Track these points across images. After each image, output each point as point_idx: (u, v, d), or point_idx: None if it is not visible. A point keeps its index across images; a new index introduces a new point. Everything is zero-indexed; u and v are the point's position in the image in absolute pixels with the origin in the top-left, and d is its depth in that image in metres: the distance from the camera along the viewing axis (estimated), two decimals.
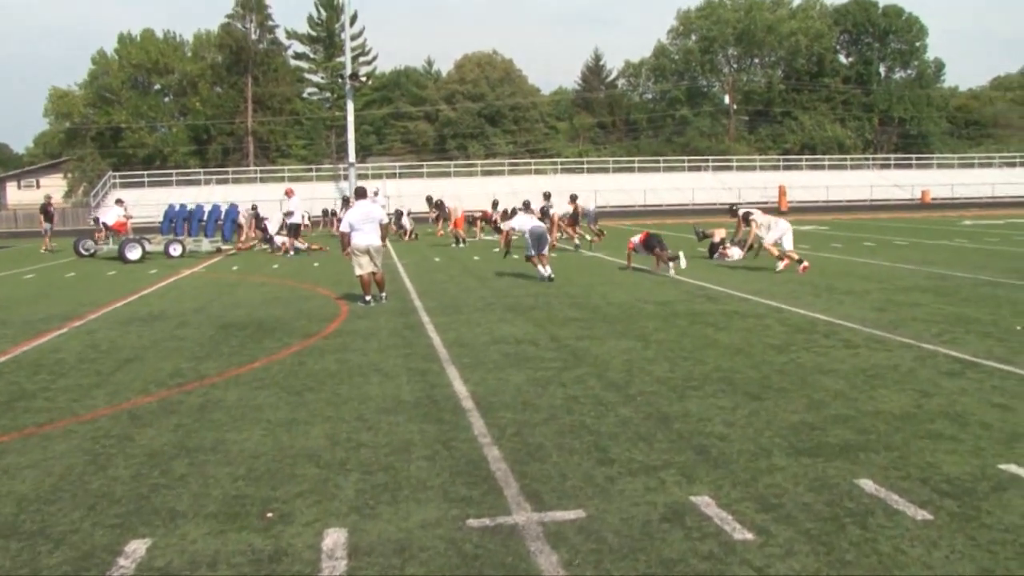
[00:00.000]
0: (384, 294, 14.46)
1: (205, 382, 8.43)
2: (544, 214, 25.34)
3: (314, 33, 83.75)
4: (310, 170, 66.81)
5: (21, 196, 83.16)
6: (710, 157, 68.47)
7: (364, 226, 13.89)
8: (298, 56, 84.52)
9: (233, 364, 9.31)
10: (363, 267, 13.97)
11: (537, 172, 67.68)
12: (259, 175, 65.47)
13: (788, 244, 17.49)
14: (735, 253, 20.26)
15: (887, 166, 69.99)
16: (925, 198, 59.71)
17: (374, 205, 14.52)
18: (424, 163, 69.00)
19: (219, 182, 63.49)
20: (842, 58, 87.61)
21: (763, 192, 57.49)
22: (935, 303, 12.46)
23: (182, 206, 29.57)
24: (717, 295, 14.07)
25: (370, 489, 5.26)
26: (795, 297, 13.50)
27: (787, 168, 67.64)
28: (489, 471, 5.52)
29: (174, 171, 64.39)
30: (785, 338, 9.97)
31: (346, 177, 56.33)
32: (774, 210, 19.75)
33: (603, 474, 5.44)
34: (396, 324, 11.84)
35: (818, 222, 39.32)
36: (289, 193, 26.69)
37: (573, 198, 25.74)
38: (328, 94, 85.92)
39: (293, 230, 25.90)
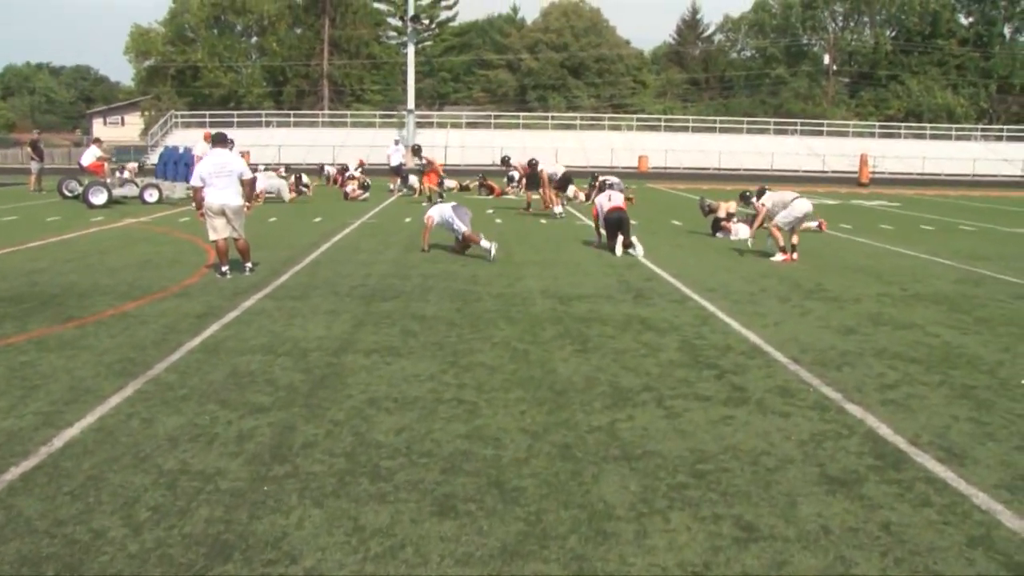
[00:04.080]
0: (250, 264, 11.72)
1: None
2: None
3: None
4: (373, 116, 64.33)
5: (107, 132, 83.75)
6: (799, 120, 63.11)
7: (217, 181, 11.11)
8: None
9: None
10: (217, 231, 11.22)
11: (612, 128, 63.72)
12: (320, 119, 63.39)
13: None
14: (742, 231, 16.75)
15: (999, 138, 63.28)
16: None
17: (232, 155, 11.67)
18: (492, 114, 65.66)
19: (279, 125, 61.76)
20: (961, 18, 79.94)
21: (851, 161, 52.37)
22: (935, 325, 8.97)
23: (186, 149, 27.34)
24: (654, 290, 10.80)
25: None
26: (752, 301, 10.15)
27: (884, 136, 61.80)
28: None
29: (235, 112, 62.80)
30: (657, 374, 6.79)
31: (404, 125, 53.90)
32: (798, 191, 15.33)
33: None
34: (207, 308, 9.06)
35: (893, 197, 34.78)
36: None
37: (532, 164, 22.27)
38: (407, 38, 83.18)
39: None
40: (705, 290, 10.84)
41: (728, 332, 8.41)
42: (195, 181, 11.20)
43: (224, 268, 11.25)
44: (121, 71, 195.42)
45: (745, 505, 4.38)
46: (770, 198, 14.55)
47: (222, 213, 11.14)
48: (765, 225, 14.84)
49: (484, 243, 13.37)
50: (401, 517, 4.18)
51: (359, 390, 6.25)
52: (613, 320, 8.88)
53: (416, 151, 27.93)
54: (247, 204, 11.56)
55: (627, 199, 17.37)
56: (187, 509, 4.23)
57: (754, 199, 15.49)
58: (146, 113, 76.97)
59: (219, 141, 11.45)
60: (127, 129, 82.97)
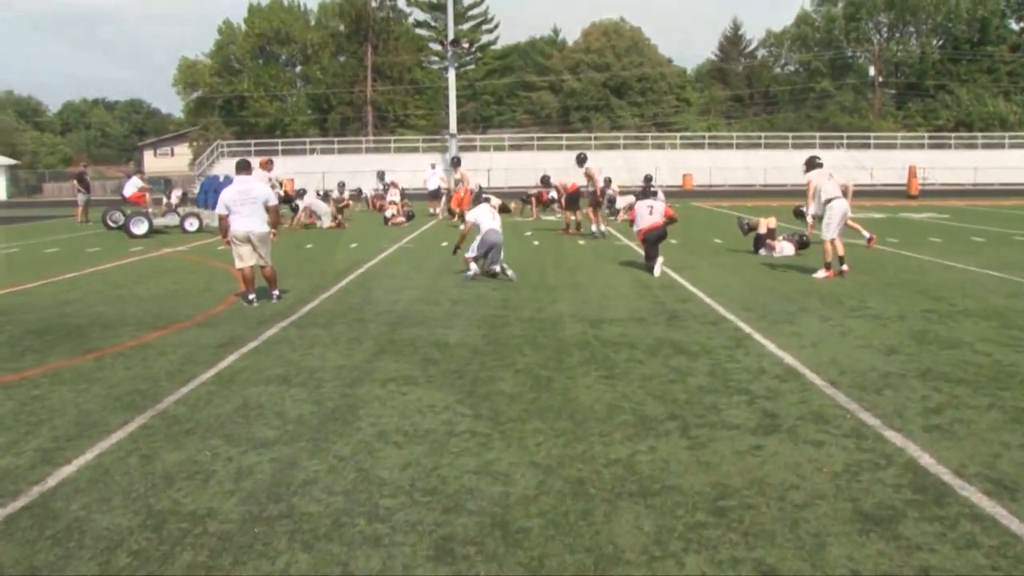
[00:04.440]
0: (277, 292, 11.57)
1: None
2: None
3: (435, 0, 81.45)
4: (417, 141, 64.64)
5: (157, 163, 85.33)
6: (845, 134, 62.07)
7: (242, 208, 11.01)
8: (419, 24, 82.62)
9: None
10: (244, 259, 11.12)
11: (655, 147, 63.27)
12: (364, 145, 63.87)
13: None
14: (786, 248, 16.29)
15: None
16: None
17: (256, 182, 11.56)
18: (535, 136, 65.64)
19: (323, 152, 62.33)
20: (1012, 23, 78.23)
21: (899, 173, 51.28)
22: (984, 342, 8.47)
23: (226, 178, 27.52)
24: (689, 312, 10.42)
25: None
26: (790, 320, 9.74)
27: (933, 147, 60.51)
28: None
29: (280, 140, 63.54)
30: (684, 400, 6.44)
31: (447, 149, 54.04)
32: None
33: None
34: (229, 337, 8.91)
35: (943, 209, 33.84)
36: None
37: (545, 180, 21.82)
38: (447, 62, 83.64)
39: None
40: (742, 309, 10.44)
41: (763, 354, 8.02)
42: (220, 209, 11.10)
43: (251, 296, 11.13)
44: (172, 104, 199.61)
45: (768, 547, 4.03)
46: (817, 176, 13.93)
47: (247, 240, 11.04)
48: (810, 215, 14.25)
49: (509, 272, 13.15)
50: (393, 563, 3.91)
51: (369, 422, 6.00)
52: (643, 344, 8.54)
53: (455, 163, 27.96)
54: (273, 231, 11.43)
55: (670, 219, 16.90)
56: (170, 554, 4.01)
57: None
58: (194, 143, 78.28)
59: (242, 168, 11.34)
60: (176, 160, 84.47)
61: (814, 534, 4.16)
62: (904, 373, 7.28)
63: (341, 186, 29.27)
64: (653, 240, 14.08)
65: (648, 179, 23.23)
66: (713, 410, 6.23)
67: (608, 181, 24.81)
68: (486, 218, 13.52)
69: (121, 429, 5.90)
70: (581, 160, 21.32)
